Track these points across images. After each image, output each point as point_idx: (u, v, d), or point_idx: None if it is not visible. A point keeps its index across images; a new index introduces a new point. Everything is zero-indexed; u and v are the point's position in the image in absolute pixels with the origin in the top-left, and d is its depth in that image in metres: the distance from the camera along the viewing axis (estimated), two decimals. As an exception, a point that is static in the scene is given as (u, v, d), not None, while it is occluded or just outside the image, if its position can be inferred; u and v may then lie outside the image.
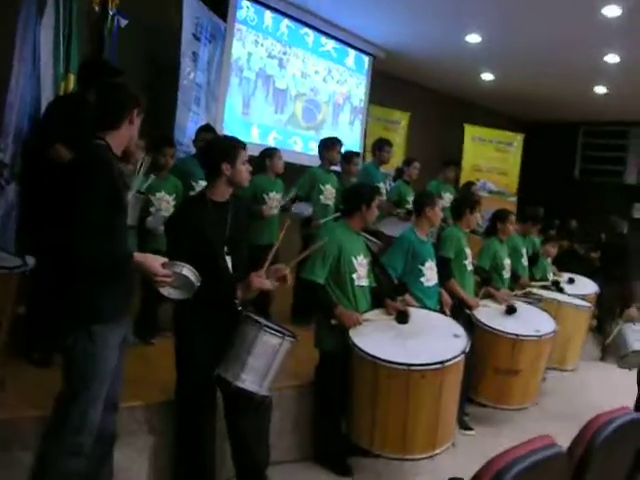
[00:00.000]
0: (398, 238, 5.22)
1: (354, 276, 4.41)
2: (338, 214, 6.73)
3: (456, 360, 4.12)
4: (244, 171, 3.54)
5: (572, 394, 6.89)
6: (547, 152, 13.61)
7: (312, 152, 9.05)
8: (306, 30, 8.87)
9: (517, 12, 7.76)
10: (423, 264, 5.11)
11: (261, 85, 8.27)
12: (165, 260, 2.99)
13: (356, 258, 4.43)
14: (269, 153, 6.47)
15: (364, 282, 4.49)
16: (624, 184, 13.86)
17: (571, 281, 8.18)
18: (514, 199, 12.37)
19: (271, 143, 8.47)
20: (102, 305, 2.96)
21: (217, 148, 3.62)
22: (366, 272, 4.52)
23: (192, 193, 5.77)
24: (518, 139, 12.83)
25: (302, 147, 8.98)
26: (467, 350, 4.24)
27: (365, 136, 10.30)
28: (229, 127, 7.72)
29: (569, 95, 11.47)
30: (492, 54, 9.59)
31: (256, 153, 7.94)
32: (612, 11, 7.19)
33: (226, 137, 4.25)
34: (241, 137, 7.67)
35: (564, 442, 5.36)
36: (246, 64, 8.04)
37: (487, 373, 5.52)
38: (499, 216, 6.54)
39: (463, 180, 10.49)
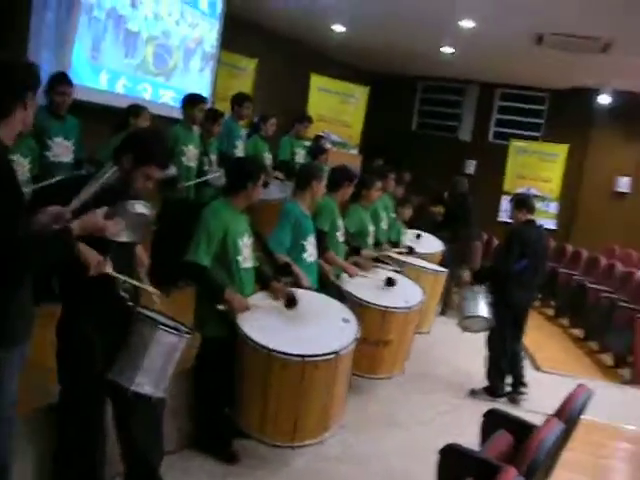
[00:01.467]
0: (284, 212, 5.03)
1: (239, 258, 4.20)
2: (203, 179, 6.51)
3: (349, 348, 4.09)
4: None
5: (425, 353, 7.12)
6: (388, 105, 13.76)
7: (161, 100, 8.60)
8: (159, -31, 8.23)
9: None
10: (306, 239, 5.03)
11: (112, 27, 7.58)
12: (103, 209, 2.77)
13: (241, 239, 4.21)
14: (135, 111, 6.01)
15: (249, 264, 4.30)
16: (458, 140, 14.33)
17: (418, 237, 8.44)
18: (356, 151, 12.46)
19: (120, 90, 7.88)
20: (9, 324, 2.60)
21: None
22: (250, 253, 4.32)
23: (47, 153, 5.31)
24: (362, 91, 12.87)
25: (151, 94, 8.43)
26: (358, 336, 4.21)
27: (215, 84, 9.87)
28: (77, 72, 7.04)
29: (415, 52, 11.59)
30: (345, 6, 9.45)
31: (103, 101, 7.48)
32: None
33: None
34: (89, 83, 7.30)
35: (425, 406, 5.56)
36: (96, 2, 7.33)
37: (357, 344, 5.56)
38: (363, 183, 6.54)
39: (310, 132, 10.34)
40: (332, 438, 4.38)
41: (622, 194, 13.20)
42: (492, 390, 6.35)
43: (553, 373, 7.23)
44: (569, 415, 3.19)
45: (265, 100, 10.48)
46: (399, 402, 5.95)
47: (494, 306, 6.21)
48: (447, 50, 10.94)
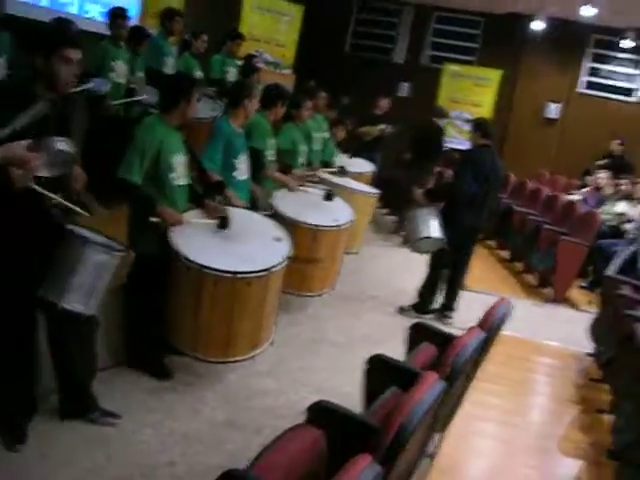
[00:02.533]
0: (215, 130, 4.98)
1: (173, 175, 4.16)
2: (136, 98, 6.35)
3: (281, 266, 4.14)
4: None
5: (355, 272, 7.24)
6: (323, 25, 13.52)
7: (88, 15, 8.26)
8: None
9: None
10: (237, 157, 5.00)
11: None
12: (28, 141, 2.74)
13: (175, 157, 4.16)
14: (59, 25, 5.75)
15: (182, 181, 4.26)
16: (392, 62, 14.25)
17: (350, 158, 8.50)
18: (289, 71, 12.27)
19: (44, 3, 7.53)
20: None
21: None
22: (184, 170, 4.28)
23: None
24: (297, 10, 12.60)
25: (77, 9, 8.09)
26: (290, 254, 4.26)
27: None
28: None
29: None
30: None
31: (29, 14, 7.14)
32: None
33: None
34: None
35: (354, 323, 5.70)
36: None
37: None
38: (294, 103, 6.51)
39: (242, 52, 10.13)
40: (263, 354, 4.47)
41: (552, 120, 13.45)
42: (420, 306, 6.52)
43: (480, 292, 7.44)
44: (490, 325, 3.33)
45: (196, 16, 10.17)
46: (328, 319, 6.08)
47: (444, 227, 6.22)
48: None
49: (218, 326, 4.04)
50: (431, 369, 3.29)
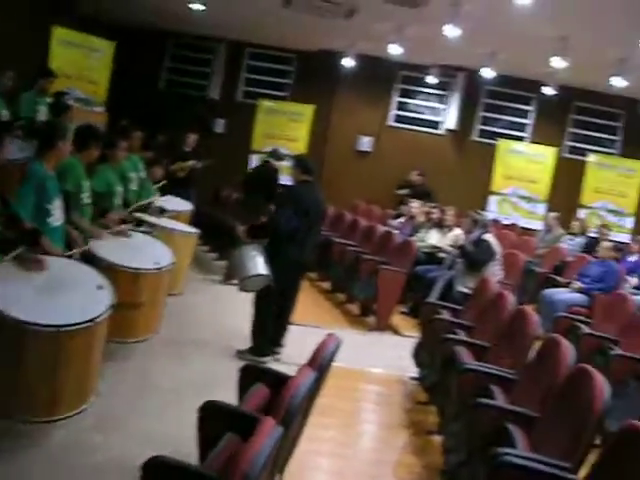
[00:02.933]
0: (27, 174, 4.69)
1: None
2: None
3: (105, 315, 3.99)
4: None
5: (179, 314, 7.09)
6: (136, 62, 13.34)
7: None
8: None
9: None
10: (51, 202, 4.73)
11: None
12: None
13: None
14: None
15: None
16: (208, 99, 14.26)
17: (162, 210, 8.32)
18: (102, 109, 11.94)
19: None
20: None
21: None
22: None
23: None
24: (108, 46, 12.28)
25: None
26: (114, 302, 4.11)
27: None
28: None
29: (164, 7, 11.37)
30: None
31: None
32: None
33: None
34: None
35: (181, 368, 5.57)
36: None
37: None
38: (108, 143, 6.34)
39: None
40: (89, 407, 4.25)
41: (365, 153, 14.02)
42: (256, 350, 6.35)
43: (305, 325, 7.53)
44: (320, 363, 3.36)
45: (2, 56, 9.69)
46: (155, 365, 5.86)
47: (269, 264, 6.16)
48: (197, 7, 10.79)
49: (42, 384, 3.78)
50: (266, 412, 3.28)
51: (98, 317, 3.89)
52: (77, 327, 3.76)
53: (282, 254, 6.22)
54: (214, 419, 3.21)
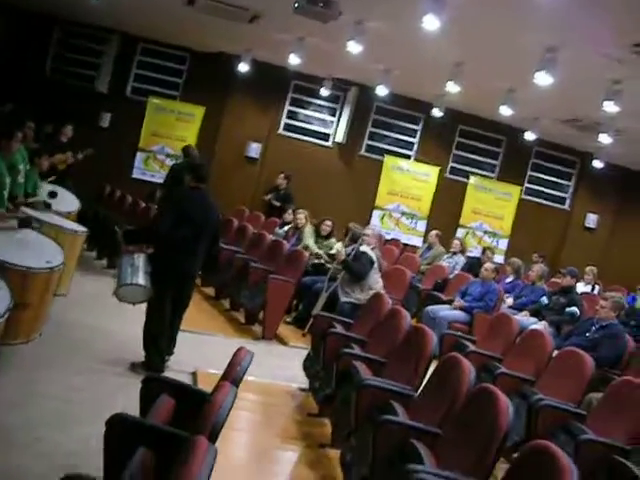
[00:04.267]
0: None
1: None
2: None
3: (3, 319, 3.75)
4: None
5: (63, 316, 6.78)
6: (22, 44, 12.67)
7: None
8: None
9: None
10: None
11: None
12: None
13: None
14: None
15: None
16: (96, 91, 13.70)
17: (53, 195, 7.96)
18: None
19: None
20: None
21: None
22: None
23: None
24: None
25: None
26: (11, 305, 3.88)
27: None
28: None
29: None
30: None
31: None
32: None
33: None
34: None
35: (67, 373, 5.28)
36: None
37: None
38: (4, 133, 6.04)
39: None
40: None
41: (253, 159, 13.96)
42: (150, 364, 6.06)
43: (189, 332, 7.34)
44: (235, 377, 3.29)
45: None
46: (40, 369, 5.56)
47: (154, 274, 5.94)
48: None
49: None
50: (174, 424, 3.18)
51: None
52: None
53: (168, 263, 6.00)
54: (123, 433, 3.06)
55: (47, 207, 6.99)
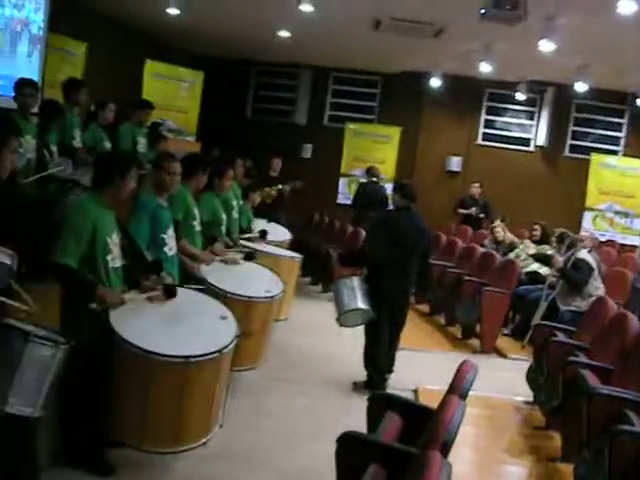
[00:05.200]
0: (139, 205, 4.75)
1: (108, 257, 3.92)
2: (46, 173, 6.04)
3: (232, 346, 3.94)
4: None
5: (286, 340, 7.06)
6: (222, 90, 13.54)
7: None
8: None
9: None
10: (165, 232, 4.77)
11: None
12: None
13: (110, 237, 3.93)
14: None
15: (118, 263, 4.02)
16: (294, 124, 14.31)
17: (263, 234, 8.29)
18: (193, 138, 12.18)
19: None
20: None
21: None
22: (119, 251, 4.04)
23: None
24: (197, 76, 12.58)
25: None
26: (239, 332, 4.07)
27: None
28: None
29: (252, 36, 11.48)
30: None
31: None
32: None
33: None
34: None
35: (292, 395, 5.46)
36: None
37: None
38: (216, 171, 6.38)
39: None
40: (213, 438, 4.21)
41: (454, 173, 13.81)
42: (372, 383, 6.15)
43: (408, 349, 7.36)
44: (462, 391, 3.23)
45: (97, 87, 9.95)
46: (268, 392, 5.85)
47: (370, 296, 6.01)
48: (284, 34, 10.88)
49: (168, 414, 3.76)
50: (403, 441, 3.18)
51: (224, 348, 3.84)
52: (205, 358, 3.72)
53: (382, 284, 6.06)
54: (354, 450, 3.11)
55: (262, 237, 7.28)
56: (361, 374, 6.25)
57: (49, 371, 2.99)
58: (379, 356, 6.18)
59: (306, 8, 8.93)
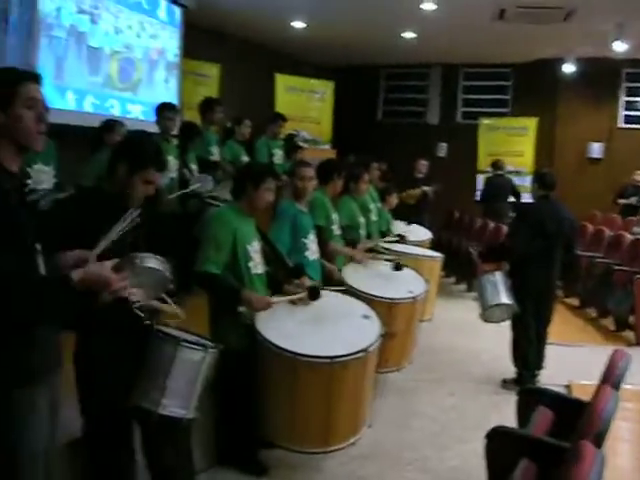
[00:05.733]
0: (280, 212, 4.91)
1: (250, 264, 4.04)
2: (187, 190, 6.35)
3: (376, 345, 3.97)
4: None
5: (431, 340, 7.03)
6: (353, 97, 13.72)
7: (130, 115, 8.43)
8: (116, -21, 8.08)
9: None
10: (306, 237, 4.90)
11: (73, 44, 7.42)
12: (114, 261, 2.42)
13: (251, 245, 4.07)
14: (107, 127, 5.82)
15: (260, 269, 4.14)
16: (427, 124, 14.25)
17: (408, 224, 8.36)
18: (328, 147, 12.37)
19: (88, 108, 7.75)
20: (25, 361, 2.31)
21: None
22: (261, 258, 4.18)
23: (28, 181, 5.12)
24: (328, 86, 12.79)
25: (120, 110, 8.26)
26: (382, 331, 4.10)
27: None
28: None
29: (378, 40, 11.56)
30: (304, 1, 9.35)
31: (73, 121, 7.27)
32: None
33: None
34: (56, 104, 7.08)
35: (440, 394, 5.41)
36: (55, 21, 7.16)
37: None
38: (352, 176, 6.46)
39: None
40: (361, 438, 4.25)
41: (596, 160, 13.27)
42: (521, 379, 6.00)
43: (558, 344, 7.12)
44: (614, 382, 3.11)
45: (232, 105, 10.33)
46: (415, 392, 5.85)
47: (514, 290, 5.87)
48: (409, 35, 10.89)
49: (316, 415, 3.84)
50: (554, 435, 3.09)
51: (369, 347, 3.87)
52: (350, 357, 3.76)
53: (525, 278, 5.90)
54: (504, 446, 3.06)
55: (402, 239, 7.28)
56: (510, 371, 6.11)
57: (199, 374, 3.10)
58: (527, 352, 6.02)
59: (428, 6, 8.91)
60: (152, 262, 2.64)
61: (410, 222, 8.82)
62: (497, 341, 6.54)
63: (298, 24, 10.66)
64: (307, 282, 4.43)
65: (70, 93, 7.49)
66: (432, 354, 6.75)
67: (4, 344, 2.24)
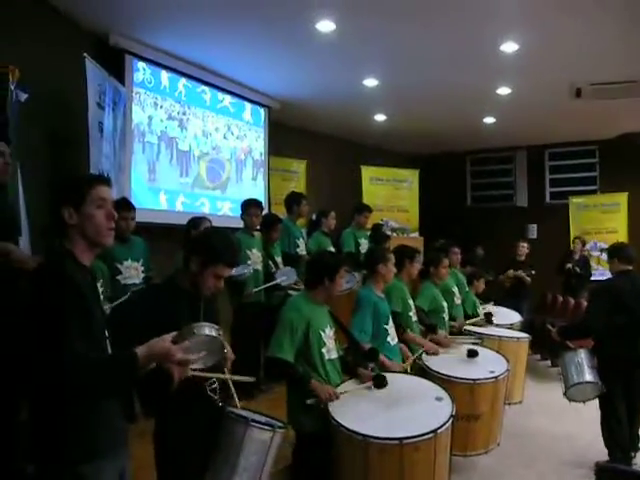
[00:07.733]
0: (360, 300, 5.05)
1: (324, 350, 4.18)
2: (272, 283, 6.61)
3: (447, 426, 3.99)
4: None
5: (520, 423, 6.92)
6: (440, 184, 13.90)
7: (220, 212, 8.86)
8: (203, 87, 8.69)
9: (415, 54, 7.83)
10: (387, 323, 5.04)
11: (164, 149, 7.98)
12: (172, 334, 2.59)
13: (324, 331, 4.21)
14: (194, 223, 6.16)
15: (334, 355, 4.28)
16: (516, 207, 14.22)
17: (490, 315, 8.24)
18: (416, 234, 12.49)
19: (179, 208, 8.23)
20: (92, 437, 2.50)
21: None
22: (334, 344, 4.31)
23: (118, 277, 5.45)
24: (413, 175, 13.04)
25: (209, 208, 8.72)
26: (454, 413, 4.11)
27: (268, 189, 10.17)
28: (137, 196, 7.37)
29: (459, 128, 11.77)
30: (387, 96, 9.68)
31: (165, 220, 7.74)
32: (510, 47, 7.41)
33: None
34: (149, 205, 7.56)
35: (529, 473, 5.29)
36: (147, 128, 7.75)
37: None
38: (432, 260, 6.59)
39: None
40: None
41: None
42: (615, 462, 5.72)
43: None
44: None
45: (318, 198, 10.71)
46: (502, 477, 5.72)
47: (598, 369, 5.77)
48: (489, 120, 11.06)
49: (390, 496, 3.86)
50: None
51: (440, 428, 3.88)
52: (420, 439, 3.79)
53: (608, 355, 5.75)
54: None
55: (489, 322, 7.25)
56: (603, 453, 5.89)
57: (268, 453, 3.23)
58: (619, 433, 5.77)
59: (503, 91, 9.09)
60: (207, 330, 2.81)
61: (502, 305, 8.75)
62: (590, 422, 6.32)
63: (380, 117, 11.01)
64: (395, 366, 4.57)
65: (162, 194, 7.97)
66: (521, 437, 6.62)
67: (72, 420, 2.44)
